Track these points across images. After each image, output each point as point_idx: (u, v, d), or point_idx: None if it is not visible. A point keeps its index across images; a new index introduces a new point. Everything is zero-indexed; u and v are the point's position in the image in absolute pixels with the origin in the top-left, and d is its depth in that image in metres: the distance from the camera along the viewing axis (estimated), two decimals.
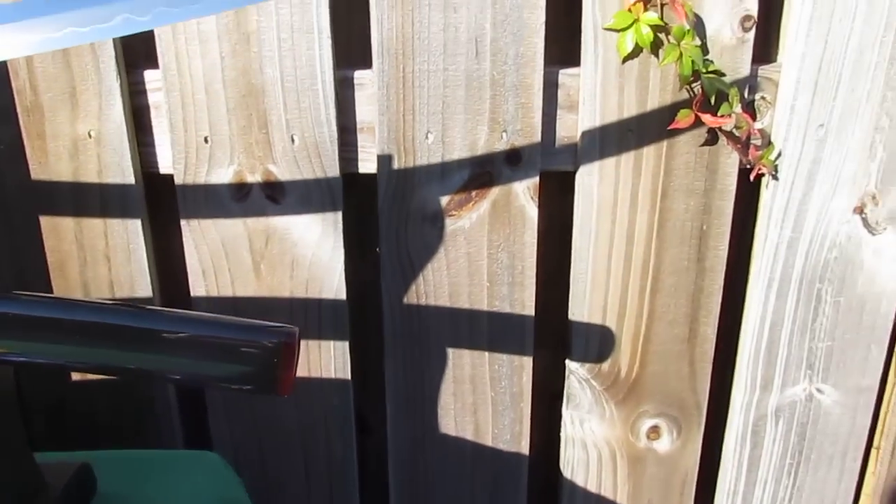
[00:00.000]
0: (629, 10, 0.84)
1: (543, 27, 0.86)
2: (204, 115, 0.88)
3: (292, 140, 0.89)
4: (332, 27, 0.85)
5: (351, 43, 0.90)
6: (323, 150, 0.89)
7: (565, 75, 0.90)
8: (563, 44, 0.90)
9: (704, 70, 0.86)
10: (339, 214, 0.92)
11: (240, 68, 0.86)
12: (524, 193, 0.92)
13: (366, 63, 0.88)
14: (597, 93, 0.89)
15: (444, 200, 0.92)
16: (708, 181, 0.93)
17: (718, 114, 0.87)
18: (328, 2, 0.84)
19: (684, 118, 0.86)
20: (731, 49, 0.87)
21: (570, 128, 0.92)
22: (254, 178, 0.90)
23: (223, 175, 0.90)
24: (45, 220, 0.92)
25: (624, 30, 0.84)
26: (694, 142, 0.91)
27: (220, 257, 0.94)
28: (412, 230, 0.93)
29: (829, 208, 0.95)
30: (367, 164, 0.92)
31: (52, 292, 0.94)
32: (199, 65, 0.86)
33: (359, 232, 0.99)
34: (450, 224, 0.93)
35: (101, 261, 0.94)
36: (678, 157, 0.92)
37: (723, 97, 0.87)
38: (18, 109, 0.87)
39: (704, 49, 0.87)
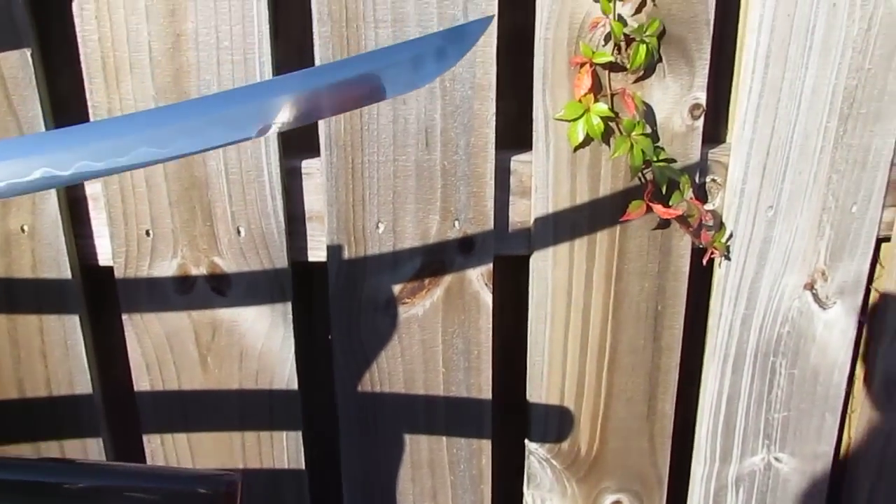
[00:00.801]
0: (580, 101, 0.84)
1: (494, 118, 0.85)
2: (145, 207, 0.84)
3: (238, 232, 0.86)
4: None
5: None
6: (270, 241, 0.87)
7: (517, 161, 0.89)
8: (511, 119, 0.89)
9: (655, 158, 0.85)
10: (289, 305, 0.90)
11: (182, 160, 0.83)
12: (478, 280, 0.91)
13: (313, 148, 0.86)
14: (549, 181, 0.88)
15: (397, 289, 0.90)
16: (662, 263, 0.93)
17: (670, 203, 0.87)
18: None
19: (636, 209, 0.85)
20: (681, 136, 0.87)
21: (524, 213, 0.90)
22: (198, 270, 0.87)
23: (166, 268, 0.87)
24: None
25: (575, 120, 0.84)
26: (647, 226, 0.91)
27: (164, 351, 0.90)
28: (364, 318, 0.91)
29: (780, 285, 0.95)
30: (318, 253, 0.90)
31: None
32: None
33: (310, 318, 0.97)
34: (403, 312, 0.91)
35: (37, 358, 0.89)
36: (632, 241, 0.91)
37: (674, 185, 0.87)
38: None
39: (655, 136, 0.87)
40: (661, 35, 0.83)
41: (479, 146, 0.85)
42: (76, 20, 0.77)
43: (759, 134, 0.88)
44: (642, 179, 0.87)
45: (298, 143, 0.87)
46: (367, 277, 0.89)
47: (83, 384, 0.90)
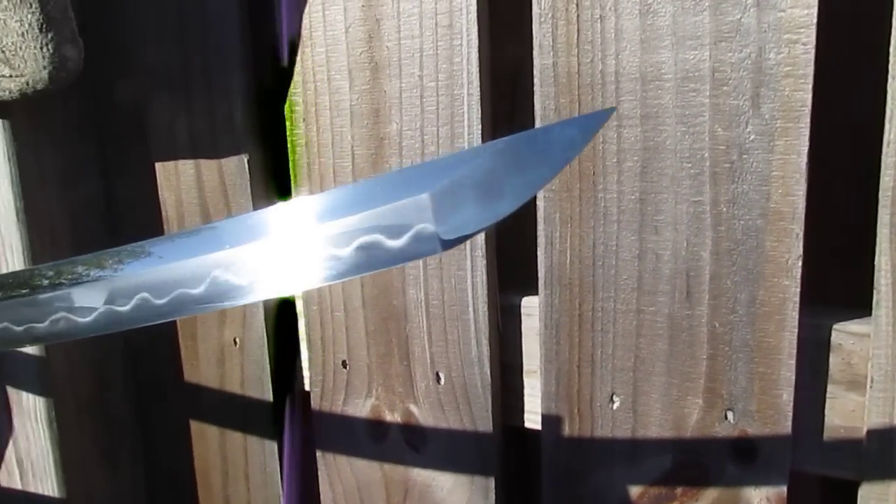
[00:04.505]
0: None
1: (800, 263, 0.54)
2: (342, 335, 0.72)
3: (437, 378, 0.69)
4: (495, 243, 0.65)
5: (526, 257, 0.68)
6: (473, 395, 0.67)
7: (843, 333, 0.56)
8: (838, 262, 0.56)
9: None
10: (492, 481, 0.69)
11: (380, 286, 0.69)
12: None
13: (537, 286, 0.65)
14: (894, 372, 0.53)
15: (635, 492, 0.63)
16: None
17: None
18: None
19: None
20: None
21: (851, 415, 0.56)
22: (393, 417, 0.72)
23: (360, 408, 0.73)
24: (193, 425, 0.84)
25: None
26: None
27: (354, 502, 0.76)
28: None
29: None
30: (537, 417, 0.68)
31: (196, 503, 0.86)
32: None
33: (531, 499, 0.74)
34: None
35: (241, 478, 0.82)
36: None
37: None
38: None
39: None
40: None
41: (773, 305, 0.55)
42: (287, 123, 0.70)
43: None
44: None
45: (521, 275, 0.67)
46: (594, 468, 0.64)
47: None
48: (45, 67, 0.63)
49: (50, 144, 0.76)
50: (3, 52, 0.63)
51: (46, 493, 0.80)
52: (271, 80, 0.71)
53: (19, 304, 0.44)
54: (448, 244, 0.28)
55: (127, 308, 0.41)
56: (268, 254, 0.33)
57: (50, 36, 0.62)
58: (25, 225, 0.74)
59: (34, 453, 0.79)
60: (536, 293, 0.65)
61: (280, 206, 0.33)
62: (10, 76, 0.64)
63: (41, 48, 0.62)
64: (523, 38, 0.63)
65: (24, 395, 0.78)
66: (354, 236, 0.29)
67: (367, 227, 0.28)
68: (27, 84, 0.64)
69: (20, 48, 0.63)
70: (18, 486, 0.81)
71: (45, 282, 0.43)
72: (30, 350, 0.76)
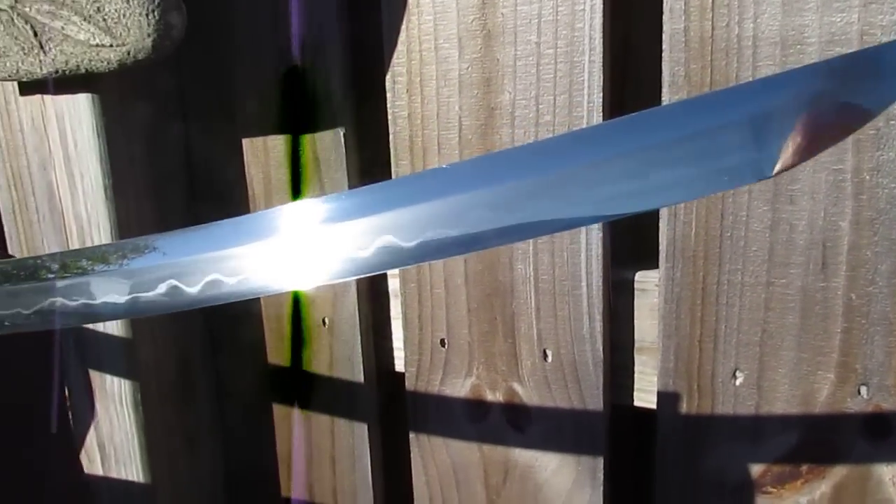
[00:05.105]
0: None
1: None
2: (441, 313, 0.71)
3: (544, 356, 0.67)
4: None
5: (640, 230, 0.66)
6: (583, 373, 0.66)
7: None
8: None
9: None
10: (601, 461, 0.67)
11: (486, 261, 0.68)
12: (893, 482, 0.57)
13: (649, 255, 0.63)
14: None
15: (757, 470, 0.62)
16: None
17: None
18: None
19: None
20: None
21: None
22: (494, 396, 0.70)
23: (459, 387, 0.72)
24: (277, 408, 0.82)
25: None
26: None
27: (449, 486, 0.75)
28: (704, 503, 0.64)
29: None
30: (648, 397, 0.66)
31: (277, 488, 0.84)
32: None
33: (646, 483, 0.73)
34: None
35: (326, 462, 0.81)
36: None
37: None
38: None
39: None
40: None
41: None
42: (388, 95, 0.68)
43: None
44: None
45: (632, 248, 0.66)
46: (714, 446, 0.63)
47: (366, 503, 0.79)
48: (149, 35, 0.61)
49: (137, 119, 0.74)
50: (104, 20, 0.61)
51: (130, 479, 0.78)
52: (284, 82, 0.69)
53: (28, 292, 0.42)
54: (767, 174, 0.27)
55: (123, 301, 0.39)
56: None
57: (157, 2, 0.60)
58: (113, 202, 0.72)
59: (117, 438, 0.77)
60: (650, 267, 0.64)
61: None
62: (111, 45, 0.62)
63: (147, 15, 0.60)
64: (634, 4, 0.62)
65: (108, 378, 0.76)
66: (667, 160, 0.27)
67: (671, 155, 0.27)
68: (128, 54, 0.62)
69: (124, 15, 0.61)
70: (100, 471, 0.79)
71: (51, 275, 0.42)
72: (116, 332, 0.74)
